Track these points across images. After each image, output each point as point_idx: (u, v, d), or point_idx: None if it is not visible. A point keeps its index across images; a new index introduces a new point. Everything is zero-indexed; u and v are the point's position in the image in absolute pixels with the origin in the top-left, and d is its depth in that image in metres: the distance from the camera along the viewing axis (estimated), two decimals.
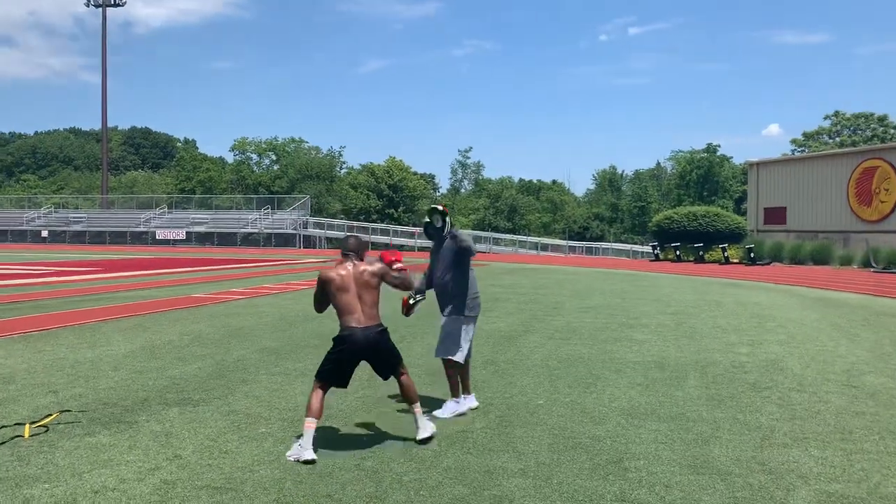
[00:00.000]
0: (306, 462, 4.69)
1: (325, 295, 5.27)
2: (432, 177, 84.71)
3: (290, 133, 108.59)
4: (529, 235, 56.95)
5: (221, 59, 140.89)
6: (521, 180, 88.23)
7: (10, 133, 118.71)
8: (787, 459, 4.89)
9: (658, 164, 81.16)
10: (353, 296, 5.12)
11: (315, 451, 4.80)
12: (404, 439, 5.28)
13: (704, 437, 5.39)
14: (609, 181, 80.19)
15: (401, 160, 59.88)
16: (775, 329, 11.26)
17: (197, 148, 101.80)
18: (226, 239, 52.24)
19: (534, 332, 10.54)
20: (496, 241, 51.51)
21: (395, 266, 5.55)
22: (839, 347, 9.57)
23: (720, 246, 32.78)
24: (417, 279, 6.25)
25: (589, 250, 49.51)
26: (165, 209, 57.58)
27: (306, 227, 52.35)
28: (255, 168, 78.62)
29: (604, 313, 13.07)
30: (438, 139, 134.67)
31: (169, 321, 11.39)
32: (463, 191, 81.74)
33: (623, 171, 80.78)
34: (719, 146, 71.20)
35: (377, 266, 5.32)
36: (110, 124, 78.82)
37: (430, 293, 6.45)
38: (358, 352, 5.10)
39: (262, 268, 26.67)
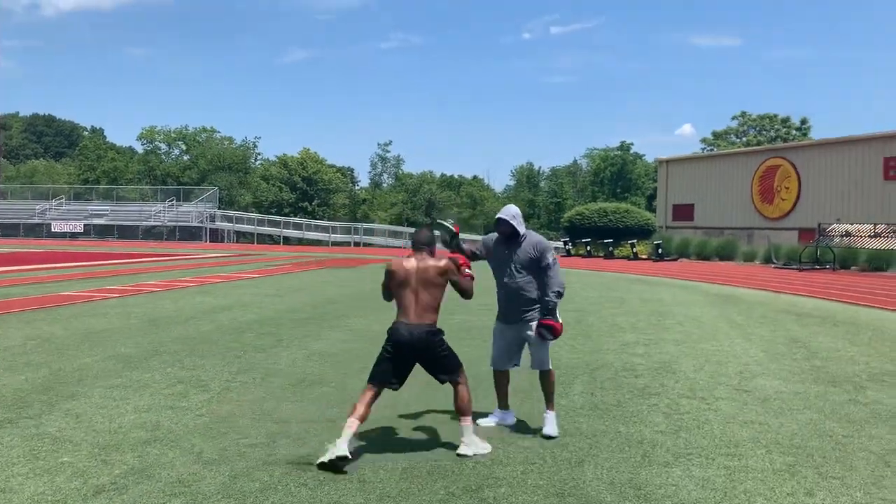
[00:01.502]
0: (340, 458, 4.43)
1: (389, 287, 5.05)
2: (351, 170, 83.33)
3: (206, 123, 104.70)
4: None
5: (137, 45, 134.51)
6: (442, 175, 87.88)
7: None
8: (665, 482, 4.36)
9: (575, 161, 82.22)
10: (411, 291, 4.88)
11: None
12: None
13: (580, 456, 4.82)
14: (527, 178, 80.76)
15: (315, 152, 58.33)
16: (673, 327, 10.97)
17: (105, 137, 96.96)
18: (127, 232, 49.75)
19: None
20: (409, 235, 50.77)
21: (465, 271, 5.18)
22: (734, 347, 9.29)
23: (629, 242, 33.05)
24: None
25: None
26: (63, 200, 54.39)
27: (213, 221, 50.36)
28: (164, 158, 75.37)
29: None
30: (361, 133, 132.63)
31: (20, 322, 10.22)
32: (385, 185, 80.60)
33: (540, 168, 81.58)
34: (632, 144, 72.74)
35: (444, 262, 4.97)
36: (11, 110, 74.25)
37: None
38: (402, 348, 4.86)
39: (154, 263, 25.17)
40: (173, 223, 50.23)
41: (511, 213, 5.48)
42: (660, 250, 31.18)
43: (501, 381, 5.70)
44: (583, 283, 19.25)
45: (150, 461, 4.56)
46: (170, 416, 5.58)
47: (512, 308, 5.49)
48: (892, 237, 24.62)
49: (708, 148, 64.06)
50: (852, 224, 26.14)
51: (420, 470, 4.49)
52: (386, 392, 6.21)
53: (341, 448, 4.48)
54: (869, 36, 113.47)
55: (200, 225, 49.83)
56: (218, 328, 10.05)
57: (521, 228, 5.46)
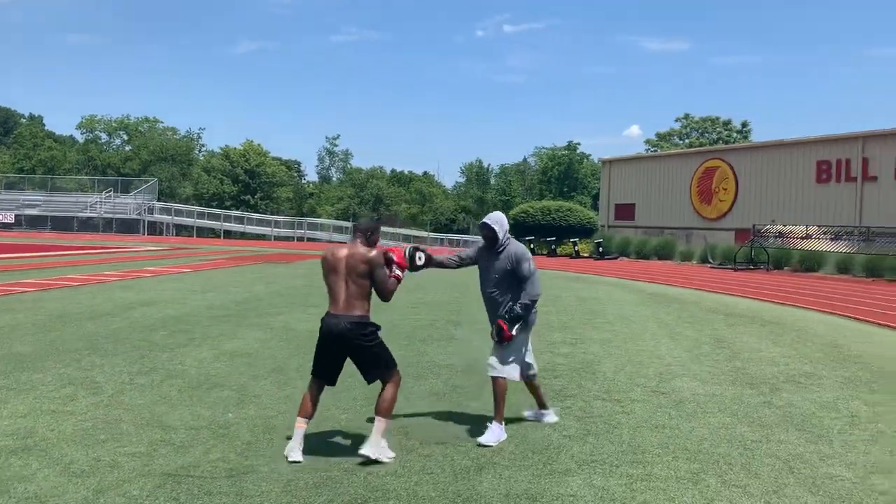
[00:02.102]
0: (292, 462, 4.42)
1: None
2: (298, 164, 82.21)
3: (151, 113, 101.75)
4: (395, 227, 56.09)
5: (81, 32, 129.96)
6: (392, 171, 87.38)
7: None
8: (563, 492, 4.17)
9: (524, 159, 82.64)
10: (340, 279, 4.67)
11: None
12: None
13: (480, 464, 4.61)
14: (476, 175, 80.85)
15: (259, 144, 57.30)
16: (602, 326, 10.89)
17: (44, 125, 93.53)
18: (62, 223, 48.04)
19: None
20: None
21: (394, 270, 4.89)
22: (659, 347, 9.23)
23: (572, 240, 33.21)
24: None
25: (452, 242, 49.34)
26: None
27: (152, 213, 48.98)
28: (105, 149, 73.08)
29: (436, 310, 12.33)
30: (310, 127, 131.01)
31: None
32: (335, 180, 79.66)
33: (489, 165, 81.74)
34: (579, 144, 73.30)
35: (373, 252, 4.71)
36: None
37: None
38: (329, 341, 4.66)
39: (83, 256, 24.24)
40: (110, 215, 48.69)
41: (495, 218, 5.34)
42: (601, 249, 31.39)
43: (529, 388, 5.60)
44: None
45: (9, 473, 4.18)
46: (48, 421, 5.19)
47: (489, 316, 5.40)
48: (823, 238, 25.20)
49: (652, 149, 65.02)
50: (786, 225, 26.68)
51: (306, 482, 4.21)
52: (284, 393, 5.92)
53: (294, 454, 4.47)
54: (810, 44, 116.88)
55: (138, 217, 48.43)
56: (130, 325, 9.58)
57: (502, 236, 5.30)
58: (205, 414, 5.51)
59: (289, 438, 4.68)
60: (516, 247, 5.36)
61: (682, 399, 6.51)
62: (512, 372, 5.33)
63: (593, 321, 11.46)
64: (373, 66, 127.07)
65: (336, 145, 79.15)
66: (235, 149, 56.95)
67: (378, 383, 4.81)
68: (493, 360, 5.31)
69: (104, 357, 7.49)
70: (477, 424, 5.43)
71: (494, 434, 5.12)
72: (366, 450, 4.54)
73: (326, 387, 4.84)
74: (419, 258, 5.22)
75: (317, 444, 4.86)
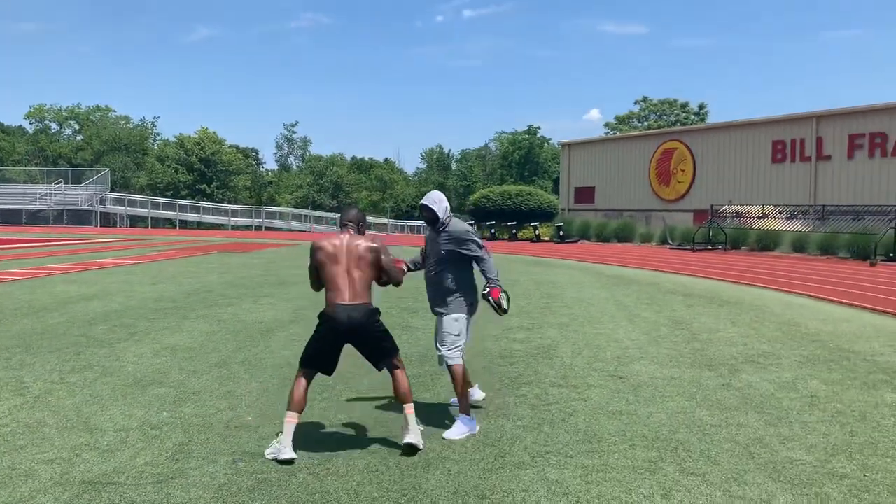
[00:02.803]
0: (284, 462, 4.20)
1: (317, 268, 4.62)
2: (256, 151, 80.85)
3: (103, 102, 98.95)
4: None
5: (27, 20, 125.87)
6: (353, 158, 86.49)
7: None
8: (515, 487, 3.95)
9: (486, 144, 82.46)
10: (343, 269, 4.52)
11: (295, 449, 4.30)
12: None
13: (429, 460, 4.36)
14: (437, 160, 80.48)
15: (214, 132, 56.08)
16: (560, 310, 10.72)
17: None
18: (11, 216, 46.50)
19: (300, 322, 9.23)
20: (318, 220, 49.63)
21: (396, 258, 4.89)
22: (617, 330, 9.08)
23: (532, 224, 33.13)
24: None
25: (411, 228, 48.98)
26: None
27: (104, 204, 47.69)
28: (56, 139, 70.90)
29: (392, 297, 12.01)
30: (268, 114, 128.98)
31: None
32: (295, 168, 78.46)
33: (450, 151, 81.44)
34: (539, 128, 73.38)
35: (377, 242, 4.65)
36: None
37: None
38: (340, 332, 4.49)
39: (28, 249, 23.38)
40: (61, 206, 47.25)
41: (433, 198, 5.15)
42: (561, 232, 31.37)
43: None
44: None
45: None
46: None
47: (430, 298, 5.22)
48: (779, 218, 25.47)
49: (611, 132, 65.27)
50: (742, 205, 26.91)
51: (239, 486, 3.91)
52: (226, 388, 5.60)
53: (286, 451, 4.25)
54: (765, 26, 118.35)
55: (90, 208, 47.09)
56: (69, 320, 9.12)
57: (442, 215, 5.11)
58: (137, 414, 5.16)
59: (279, 434, 4.39)
60: (458, 224, 5.19)
61: (641, 383, 6.34)
62: (460, 356, 5.11)
63: (551, 305, 11.28)
64: (331, 52, 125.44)
65: (294, 132, 77.92)
66: (190, 137, 55.69)
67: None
68: (444, 349, 5.07)
69: (36, 355, 7.06)
70: (429, 416, 5.17)
71: (461, 428, 4.85)
72: (412, 439, 4.45)
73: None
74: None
75: (256, 443, 4.56)
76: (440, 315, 5.13)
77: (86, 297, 11.28)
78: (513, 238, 33.39)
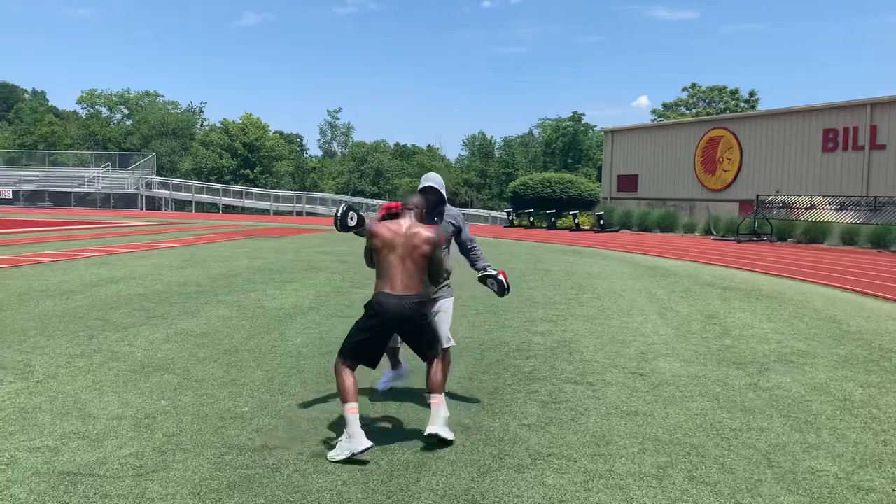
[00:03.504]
0: (362, 452, 4.01)
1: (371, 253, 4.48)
2: (300, 137, 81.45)
3: (155, 87, 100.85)
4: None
5: (83, 6, 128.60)
6: (396, 145, 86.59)
7: None
8: (508, 492, 3.71)
9: (529, 131, 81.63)
10: (397, 258, 4.34)
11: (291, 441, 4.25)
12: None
13: (422, 460, 4.14)
14: (479, 147, 79.96)
15: (258, 118, 56.54)
16: (588, 302, 10.39)
17: (47, 101, 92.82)
18: (60, 199, 47.64)
19: (319, 310, 9.10)
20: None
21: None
22: (646, 324, 8.74)
23: (571, 213, 32.60)
24: None
25: None
26: None
27: (150, 188, 48.50)
28: (107, 123, 72.38)
29: None
30: (314, 99, 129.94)
31: None
32: (339, 154, 78.79)
33: (492, 138, 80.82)
34: (584, 115, 72.29)
35: (434, 233, 4.48)
36: None
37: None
38: (389, 323, 4.33)
39: (70, 231, 23.81)
40: (108, 190, 48.23)
41: (437, 180, 5.08)
42: (601, 221, 30.79)
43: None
44: (512, 254, 18.66)
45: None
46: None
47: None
48: (828, 209, 24.55)
49: (658, 119, 63.96)
50: (790, 196, 26.01)
51: (220, 482, 3.75)
52: (230, 377, 5.48)
53: (361, 442, 4.03)
54: (819, 11, 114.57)
55: (136, 192, 47.95)
56: (90, 303, 9.13)
57: (446, 197, 5.07)
58: (134, 402, 5.06)
59: (345, 435, 4.13)
60: (452, 208, 5.19)
61: (662, 381, 6.02)
62: None
63: (580, 296, 10.96)
64: (377, 38, 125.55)
65: (338, 119, 78.33)
66: (234, 122, 56.24)
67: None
68: (446, 333, 4.98)
69: (50, 338, 7.05)
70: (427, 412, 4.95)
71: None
72: (440, 431, 4.32)
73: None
74: (351, 217, 4.87)
75: (248, 436, 4.41)
76: (436, 300, 4.99)
77: (113, 280, 11.34)
78: (552, 227, 32.92)
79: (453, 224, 5.11)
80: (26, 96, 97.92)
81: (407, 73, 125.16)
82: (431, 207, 4.97)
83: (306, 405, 5.09)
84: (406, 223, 4.45)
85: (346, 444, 4.07)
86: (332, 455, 4.08)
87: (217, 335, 7.42)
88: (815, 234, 24.16)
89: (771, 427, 4.88)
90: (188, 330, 7.63)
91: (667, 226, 30.63)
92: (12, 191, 47.82)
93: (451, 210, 5.14)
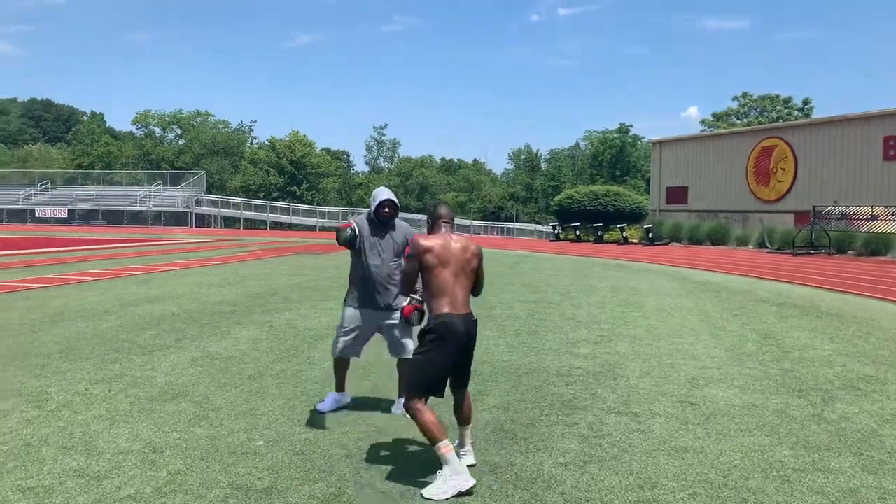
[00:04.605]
0: (469, 491, 3.78)
1: (418, 271, 4.17)
2: (346, 154, 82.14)
3: (209, 107, 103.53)
4: None
5: (140, 30, 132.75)
6: (442, 159, 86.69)
7: None
8: None
9: (577, 143, 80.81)
10: (452, 275, 4.07)
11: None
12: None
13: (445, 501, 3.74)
14: (525, 161, 79.42)
15: (304, 135, 57.05)
16: (636, 321, 9.86)
17: (104, 122, 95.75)
18: (113, 217, 48.69)
19: None
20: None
21: None
22: (697, 345, 8.18)
23: (619, 226, 31.86)
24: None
25: (495, 230, 48.31)
26: (49, 185, 53.31)
27: (199, 205, 49.23)
28: (161, 142, 74.06)
29: None
30: (362, 116, 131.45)
31: None
32: (385, 170, 79.13)
33: (538, 151, 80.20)
34: (632, 126, 71.28)
35: (477, 245, 4.29)
36: (9, 95, 72.71)
37: None
38: (457, 346, 4.03)
39: (116, 249, 24.10)
40: (159, 208, 49.13)
41: (392, 194, 5.22)
42: (650, 234, 30.00)
43: (345, 367, 5.48)
44: (556, 270, 18.14)
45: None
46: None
47: (379, 293, 5.21)
48: (890, 220, 23.40)
49: (708, 130, 62.59)
50: (849, 206, 24.90)
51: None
52: (249, 406, 5.17)
53: (467, 480, 3.82)
54: (875, 17, 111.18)
55: (186, 210, 48.72)
56: (121, 324, 8.98)
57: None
58: (144, 434, 4.77)
59: (440, 472, 3.88)
60: (405, 223, 5.41)
61: (714, 412, 5.51)
62: None
63: (626, 315, 10.42)
64: (423, 54, 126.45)
65: (384, 135, 78.71)
66: (281, 140, 56.89)
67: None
68: (411, 343, 5.13)
69: (73, 362, 6.86)
70: (485, 443, 4.54)
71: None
72: (472, 459, 4.25)
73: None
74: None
75: (258, 475, 4.07)
76: (395, 309, 5.17)
77: (149, 300, 11.22)
78: (599, 240, 32.22)
79: (407, 238, 5.20)
80: (85, 118, 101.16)
81: (453, 89, 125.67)
82: (387, 220, 5.17)
83: (324, 439, 4.74)
84: (451, 238, 4.18)
85: (452, 481, 3.78)
86: (432, 493, 3.76)
87: (243, 359, 7.14)
88: (877, 247, 23.02)
89: (840, 467, 4.35)
90: (214, 353, 7.37)
91: (718, 239, 29.67)
92: (68, 209, 49.03)
93: (401, 223, 5.29)
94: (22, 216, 49.11)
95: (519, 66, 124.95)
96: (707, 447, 4.70)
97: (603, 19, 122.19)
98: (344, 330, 5.28)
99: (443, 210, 4.30)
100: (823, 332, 9.12)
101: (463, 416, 4.26)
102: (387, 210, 5.17)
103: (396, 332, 5.20)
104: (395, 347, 5.25)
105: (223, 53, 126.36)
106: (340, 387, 5.49)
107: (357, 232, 5.13)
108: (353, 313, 5.25)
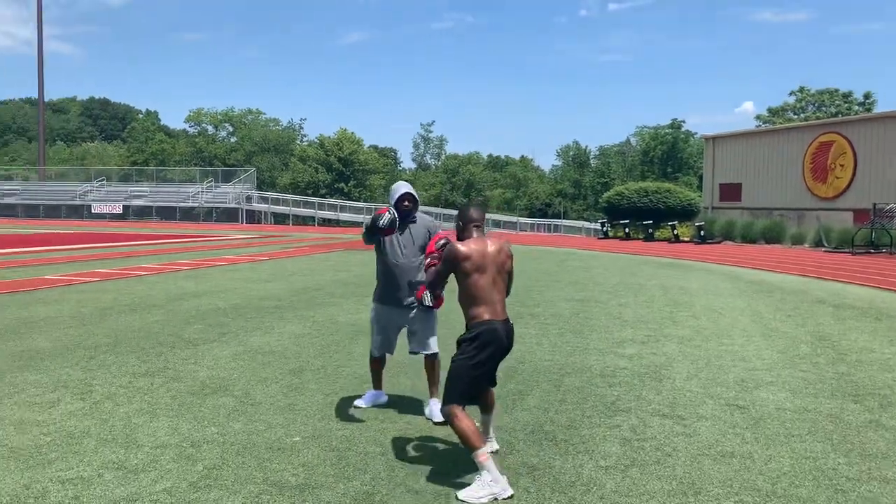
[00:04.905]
0: (507, 499, 3.72)
1: (449, 276, 4.17)
2: (394, 151, 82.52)
3: (260, 105, 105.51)
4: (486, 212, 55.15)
5: (194, 31, 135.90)
6: (489, 156, 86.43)
7: None
8: None
9: (627, 139, 79.63)
10: (489, 279, 4.03)
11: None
12: None
13: None
14: (574, 157, 78.56)
15: (352, 132, 57.45)
16: (685, 321, 9.62)
17: (159, 120, 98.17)
18: (166, 213, 49.77)
19: None
20: (446, 218, 49.60)
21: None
22: (748, 346, 7.93)
23: (669, 224, 31.27)
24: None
25: (543, 227, 47.92)
26: (105, 181, 54.79)
27: (250, 202, 50.00)
28: (214, 140, 75.50)
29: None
30: (411, 113, 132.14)
31: None
32: (432, 167, 79.24)
33: (587, 147, 79.26)
34: (684, 122, 69.93)
35: (508, 243, 4.27)
36: (69, 94, 75.36)
37: None
38: (500, 352, 4.05)
39: (167, 244, 24.59)
40: (210, 204, 50.03)
41: (411, 188, 5.11)
42: (702, 232, 29.36)
43: (381, 364, 5.47)
44: (604, 268, 17.86)
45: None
46: (6, 434, 4.60)
47: (401, 288, 5.11)
48: None
49: (763, 125, 61.04)
50: None
51: None
52: (288, 401, 5.17)
53: (506, 488, 3.75)
54: None
55: (237, 206, 49.51)
56: (167, 318, 9.11)
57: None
58: (183, 428, 4.79)
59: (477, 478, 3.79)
60: (428, 217, 5.32)
61: (764, 416, 5.30)
62: None
63: (675, 315, 10.18)
64: (473, 50, 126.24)
65: (431, 132, 78.77)
66: (329, 138, 57.42)
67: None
68: (433, 340, 5.15)
69: (119, 355, 6.96)
70: (525, 443, 4.45)
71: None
72: (497, 445, 4.37)
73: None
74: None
75: (292, 471, 4.04)
76: (414, 306, 5.09)
77: (196, 294, 11.39)
78: (649, 238, 31.68)
79: (429, 232, 5.12)
80: (140, 116, 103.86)
81: (501, 85, 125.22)
82: (407, 214, 5.06)
83: (361, 436, 4.70)
84: (486, 241, 4.11)
85: (491, 487, 3.71)
86: (469, 496, 3.70)
87: (285, 353, 7.16)
88: None
89: None
90: (257, 347, 7.42)
91: (773, 237, 28.90)
92: (123, 206, 50.29)
93: (422, 218, 5.20)
94: (79, 212, 50.50)
95: (568, 61, 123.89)
96: (755, 452, 4.51)
97: (653, 14, 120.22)
98: (375, 328, 5.27)
99: (474, 213, 4.20)
100: (883, 335, 8.76)
101: (487, 403, 4.28)
102: (406, 203, 5.08)
103: (420, 329, 5.13)
104: (417, 344, 5.18)
105: (274, 52, 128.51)
106: (377, 384, 5.48)
107: (395, 215, 4.93)
108: (378, 310, 5.23)
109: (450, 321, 7.42)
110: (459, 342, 4.06)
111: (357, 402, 5.38)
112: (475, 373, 3.96)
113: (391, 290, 5.14)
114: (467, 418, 3.89)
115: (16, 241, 24.12)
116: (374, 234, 5.05)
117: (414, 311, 5.10)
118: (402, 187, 5.12)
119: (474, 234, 4.15)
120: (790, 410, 5.45)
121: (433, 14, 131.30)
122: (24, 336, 7.80)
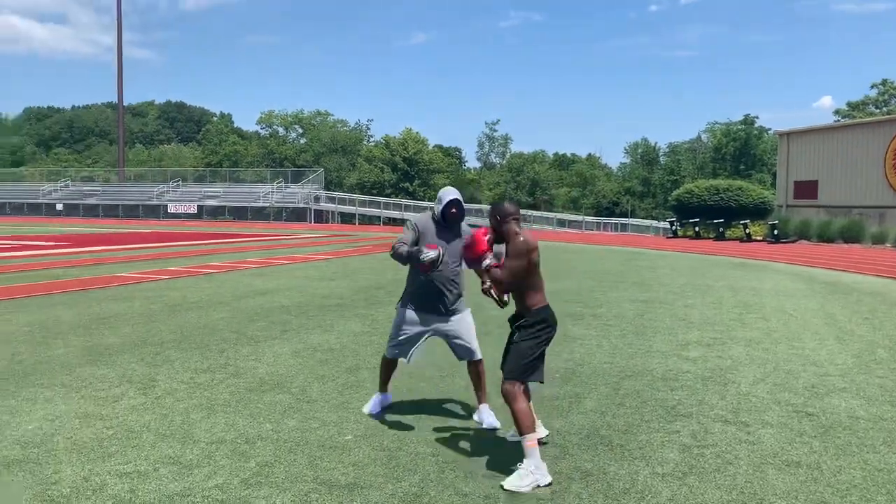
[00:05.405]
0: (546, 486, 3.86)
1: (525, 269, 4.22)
2: (458, 150, 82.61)
3: (328, 107, 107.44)
4: (551, 211, 54.70)
5: (265, 34, 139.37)
6: (555, 154, 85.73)
7: (48, 107, 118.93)
8: None
9: (698, 136, 77.67)
10: (541, 269, 4.36)
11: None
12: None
13: None
14: (642, 154, 77.10)
15: (417, 132, 57.79)
16: (754, 323, 9.28)
17: (232, 122, 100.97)
18: (238, 213, 51.12)
19: None
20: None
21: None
22: (820, 350, 7.59)
23: (741, 222, 30.33)
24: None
25: (610, 226, 47.16)
26: (180, 182, 56.63)
27: (318, 202, 50.85)
28: (284, 141, 77.14)
29: (561, 300, 11.17)
30: (477, 112, 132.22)
31: (45, 305, 9.91)
32: (497, 166, 78.99)
33: (656, 144, 77.65)
34: (757, 118, 67.80)
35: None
36: (147, 98, 78.23)
37: None
38: (554, 332, 4.33)
39: (237, 243, 25.19)
40: (280, 204, 51.13)
41: (459, 195, 4.97)
42: (776, 231, 28.39)
43: (393, 368, 5.34)
44: (672, 268, 17.43)
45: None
46: (72, 427, 4.75)
47: (445, 297, 4.95)
48: None
49: (843, 120, 58.64)
50: None
51: None
52: (342, 399, 5.19)
53: (545, 476, 3.91)
54: None
55: (306, 206, 50.45)
56: (232, 315, 9.31)
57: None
58: (239, 424, 4.86)
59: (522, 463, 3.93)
60: (466, 227, 5.14)
61: (834, 424, 5.05)
62: None
63: (744, 317, 9.84)
64: (539, 49, 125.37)
65: (496, 130, 78.49)
66: (395, 138, 57.91)
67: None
68: (475, 344, 5.01)
69: (184, 351, 7.14)
70: (579, 448, 4.36)
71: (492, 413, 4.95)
72: (543, 431, 4.54)
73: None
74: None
75: (342, 470, 4.04)
76: (455, 313, 4.97)
77: (261, 292, 11.61)
78: (719, 237, 30.82)
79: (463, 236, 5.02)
80: (214, 119, 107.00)
81: (569, 82, 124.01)
82: (454, 222, 4.93)
83: (412, 437, 4.67)
84: (533, 235, 4.31)
85: (534, 475, 3.86)
86: (514, 485, 3.82)
87: (344, 351, 7.22)
88: None
89: None
90: (316, 345, 7.49)
91: (851, 236, 27.71)
92: (197, 206, 51.88)
93: (466, 229, 5.07)
94: (156, 212, 52.36)
95: (637, 57, 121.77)
96: (823, 463, 4.30)
97: (727, 6, 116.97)
98: (400, 332, 5.02)
99: (511, 207, 4.29)
100: None
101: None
102: (454, 211, 4.87)
103: (464, 336, 4.95)
104: (463, 351, 4.98)
105: (342, 55, 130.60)
106: (384, 387, 5.32)
107: (442, 255, 4.69)
108: (411, 316, 4.98)
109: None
110: (529, 325, 4.18)
111: (366, 410, 5.20)
112: (538, 351, 4.18)
113: (431, 298, 4.92)
114: (525, 401, 4.09)
115: (94, 241, 25.12)
116: (409, 263, 4.92)
117: (454, 319, 4.93)
118: (449, 193, 4.92)
119: (514, 227, 4.21)
120: (864, 419, 5.18)
121: (498, 13, 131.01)
122: (95, 332, 8.08)
